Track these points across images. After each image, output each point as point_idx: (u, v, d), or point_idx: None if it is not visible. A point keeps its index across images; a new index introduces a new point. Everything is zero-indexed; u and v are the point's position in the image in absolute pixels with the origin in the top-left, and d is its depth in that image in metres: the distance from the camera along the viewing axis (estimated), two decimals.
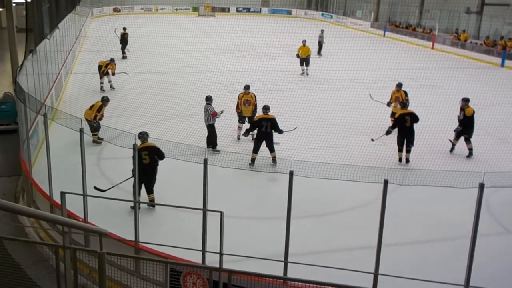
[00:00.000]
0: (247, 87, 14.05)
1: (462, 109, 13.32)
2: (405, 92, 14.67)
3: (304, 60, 23.17)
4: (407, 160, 12.67)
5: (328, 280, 6.36)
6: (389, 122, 14.43)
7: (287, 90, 20.16)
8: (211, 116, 13.00)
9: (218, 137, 13.25)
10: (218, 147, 13.05)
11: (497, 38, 32.13)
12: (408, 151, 12.71)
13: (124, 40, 26.52)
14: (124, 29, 26.80)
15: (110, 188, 9.98)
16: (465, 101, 13.30)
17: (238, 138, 14.12)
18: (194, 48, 26.44)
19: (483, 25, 35.26)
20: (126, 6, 50.75)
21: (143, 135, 9.81)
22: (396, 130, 12.92)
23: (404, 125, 12.70)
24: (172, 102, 15.97)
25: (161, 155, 9.57)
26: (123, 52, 26.40)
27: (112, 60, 19.42)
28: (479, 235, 6.85)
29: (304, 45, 23.20)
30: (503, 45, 30.32)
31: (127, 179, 9.82)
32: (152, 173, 9.84)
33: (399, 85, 14.92)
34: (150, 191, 9.96)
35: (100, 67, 19.33)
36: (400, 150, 12.79)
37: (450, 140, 13.49)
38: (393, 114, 14.61)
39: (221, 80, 20.81)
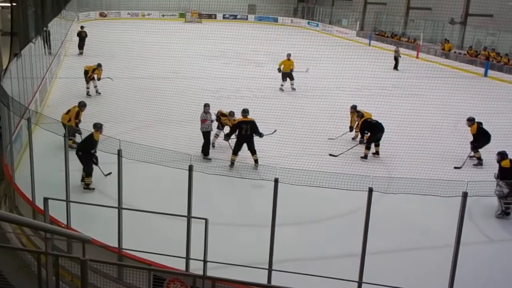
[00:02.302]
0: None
1: (469, 127, 13.88)
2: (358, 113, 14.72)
3: (287, 75, 21.80)
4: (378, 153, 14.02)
5: None
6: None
7: (273, 97, 20.21)
8: (202, 122, 13.07)
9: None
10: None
11: (479, 48, 32.56)
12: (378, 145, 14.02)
13: (80, 37, 28.59)
14: (82, 27, 29.31)
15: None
16: (469, 120, 13.89)
17: (213, 146, 13.99)
18: (180, 54, 26.40)
19: (467, 36, 35.69)
20: (112, 11, 50.54)
21: (95, 126, 11.23)
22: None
23: (372, 125, 13.88)
24: (157, 108, 15.92)
25: (90, 145, 10.95)
26: (80, 48, 28.40)
27: (99, 65, 19.32)
28: (462, 244, 6.91)
29: (288, 59, 21.80)
30: (486, 56, 30.72)
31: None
32: (83, 155, 10.91)
33: (354, 107, 15.08)
34: (85, 174, 11.09)
35: (86, 72, 19.22)
36: (369, 148, 13.84)
37: (470, 157, 13.76)
38: (351, 128, 15.12)
39: (207, 86, 20.79)
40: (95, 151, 11.06)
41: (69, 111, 13.50)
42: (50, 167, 11.14)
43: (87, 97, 18.53)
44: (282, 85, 21.94)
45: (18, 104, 11.21)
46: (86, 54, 26.66)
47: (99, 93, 19.42)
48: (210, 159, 12.97)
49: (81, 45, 28.57)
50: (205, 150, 13.18)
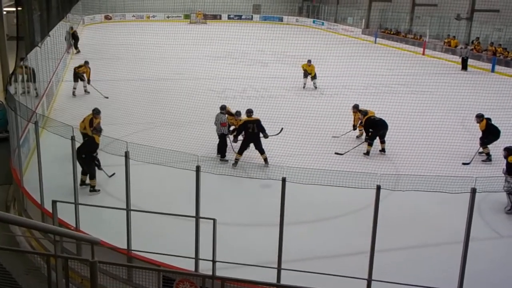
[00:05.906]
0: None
1: (478, 123, 13.89)
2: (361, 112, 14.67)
3: (309, 74, 21.79)
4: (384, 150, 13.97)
5: (321, 286, 6.35)
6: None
7: (279, 96, 20.18)
8: (221, 126, 13.02)
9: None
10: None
11: (486, 44, 32.34)
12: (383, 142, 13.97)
13: (75, 37, 30.44)
14: (72, 28, 31.07)
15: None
16: (478, 117, 13.88)
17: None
18: (186, 55, 26.45)
19: (473, 31, 35.49)
20: (117, 13, 50.71)
21: (95, 129, 11.38)
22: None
23: (375, 123, 13.82)
24: (164, 109, 15.95)
25: (92, 148, 11.01)
26: (76, 48, 30.20)
27: (86, 62, 19.28)
28: (472, 240, 6.88)
29: (309, 65, 21.73)
30: (493, 51, 30.54)
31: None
32: (85, 157, 10.79)
33: (356, 107, 15.06)
34: (89, 176, 11.12)
35: (75, 71, 19.37)
36: (371, 144, 13.84)
37: (480, 153, 13.73)
38: (354, 126, 15.16)
39: (213, 87, 20.81)
40: (97, 154, 11.16)
41: (84, 119, 13.44)
42: (58, 170, 11.21)
43: (73, 97, 18.67)
44: (304, 83, 22.07)
45: (25, 108, 11.26)
46: (93, 57, 26.70)
47: (88, 92, 19.42)
48: (227, 160, 12.91)
49: (75, 45, 30.46)
50: (222, 152, 13.17)
